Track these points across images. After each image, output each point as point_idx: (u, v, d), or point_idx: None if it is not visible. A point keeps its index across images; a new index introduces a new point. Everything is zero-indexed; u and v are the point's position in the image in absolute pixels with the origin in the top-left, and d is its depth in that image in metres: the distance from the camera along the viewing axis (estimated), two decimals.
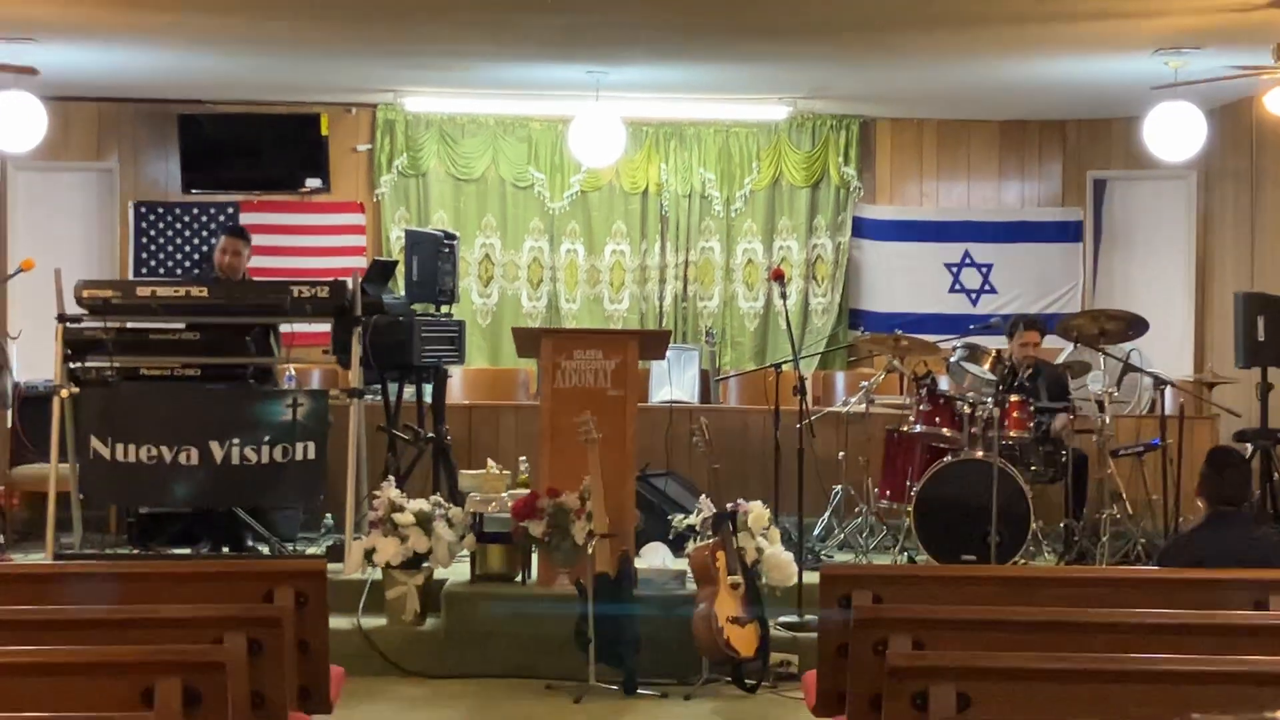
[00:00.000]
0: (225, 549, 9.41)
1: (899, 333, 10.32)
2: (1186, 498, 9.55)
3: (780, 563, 8.35)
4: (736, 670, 7.94)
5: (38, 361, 11.11)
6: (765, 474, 9.42)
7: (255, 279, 10.32)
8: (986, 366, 9.93)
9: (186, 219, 12.73)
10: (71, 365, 9.12)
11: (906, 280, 13.14)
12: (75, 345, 9.12)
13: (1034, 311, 12.22)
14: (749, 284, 13.16)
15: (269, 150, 12.74)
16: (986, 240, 13.13)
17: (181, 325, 9.27)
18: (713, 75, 11.61)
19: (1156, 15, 9.22)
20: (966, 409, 9.59)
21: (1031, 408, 9.66)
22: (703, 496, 8.62)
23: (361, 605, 8.45)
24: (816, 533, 10.17)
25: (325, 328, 9.50)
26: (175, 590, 5.20)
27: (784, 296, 9.91)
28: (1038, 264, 13.11)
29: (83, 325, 9.13)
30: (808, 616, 8.31)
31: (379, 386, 9.79)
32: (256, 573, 5.25)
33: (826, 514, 10.27)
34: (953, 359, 10.04)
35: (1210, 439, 10.49)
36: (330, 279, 9.34)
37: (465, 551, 8.65)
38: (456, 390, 11.90)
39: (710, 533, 8.18)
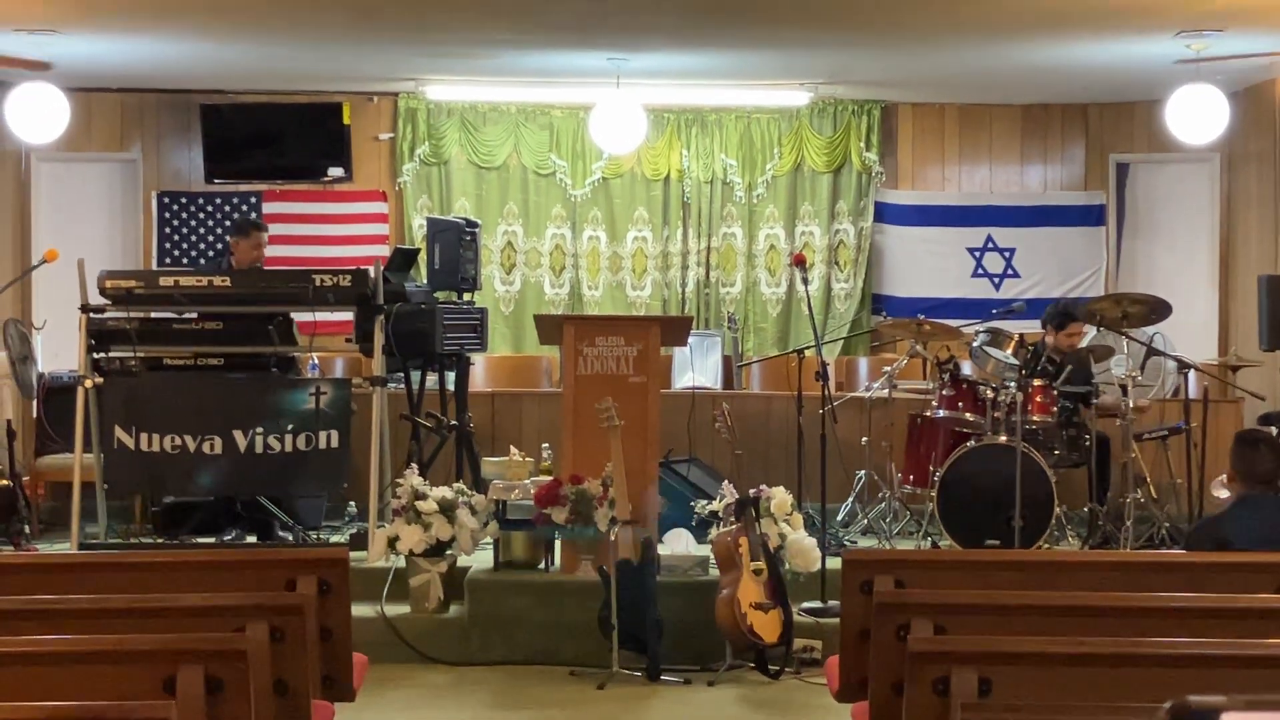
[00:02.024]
0: (250, 538, 9.44)
1: (922, 318, 10.31)
2: (1210, 481, 9.52)
3: (803, 548, 8.35)
4: (760, 656, 7.95)
5: (62, 352, 11.16)
6: (788, 459, 9.41)
7: (278, 268, 10.33)
8: (1009, 351, 9.90)
9: (209, 209, 12.77)
10: (95, 355, 9.15)
11: (929, 265, 13.11)
12: (99, 336, 9.15)
13: (1057, 295, 12.21)
14: (771, 270, 13.14)
15: (291, 140, 12.76)
16: (1009, 224, 13.09)
17: (203, 315, 9.30)
18: (733, 61, 11.60)
19: None
20: (989, 393, 9.57)
21: (1055, 392, 9.63)
22: (725, 482, 8.62)
23: (385, 593, 8.47)
24: (839, 518, 10.17)
25: (348, 316, 9.51)
26: (198, 579, 5.22)
27: (806, 282, 9.89)
28: (1060, 248, 13.07)
29: (106, 316, 9.16)
30: (831, 602, 8.30)
31: (402, 374, 9.80)
32: (279, 561, 5.26)
33: (849, 499, 10.26)
34: (975, 343, 10.02)
35: (1234, 422, 10.46)
36: (352, 267, 9.36)
37: (488, 539, 8.66)
38: (479, 378, 11.93)
39: (733, 519, 8.19)
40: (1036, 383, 9.56)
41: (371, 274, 9.09)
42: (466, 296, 10.22)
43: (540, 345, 10.14)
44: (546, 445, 9.30)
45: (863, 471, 10.20)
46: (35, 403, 10.64)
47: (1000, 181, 13.24)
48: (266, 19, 10.14)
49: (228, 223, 12.59)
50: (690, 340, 10.45)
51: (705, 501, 8.71)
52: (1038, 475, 9.19)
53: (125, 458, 9.02)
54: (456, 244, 10.04)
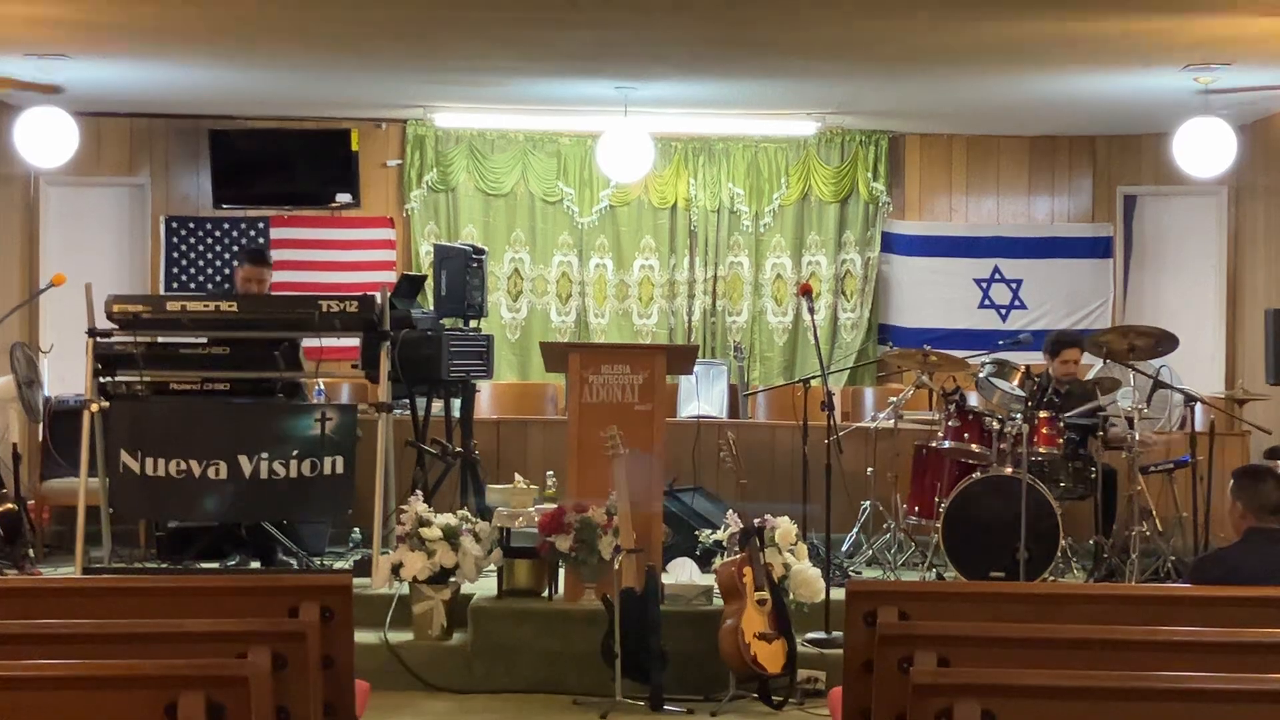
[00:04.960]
0: (254, 563, 9.44)
1: (928, 348, 10.29)
2: (1216, 515, 9.50)
3: (807, 579, 8.33)
4: (763, 686, 7.93)
5: (68, 376, 11.18)
6: (793, 489, 9.40)
7: (285, 293, 10.34)
8: (1015, 382, 9.91)
9: (217, 234, 12.79)
10: (102, 380, 9.16)
11: (936, 296, 13.11)
12: (105, 360, 9.16)
13: (1063, 327, 12.19)
14: (777, 299, 13.15)
15: (299, 165, 12.79)
16: (1016, 256, 13.10)
17: (210, 340, 9.31)
18: (741, 91, 11.62)
19: (1186, 31, 9.19)
20: (995, 425, 9.56)
21: (1061, 424, 9.62)
22: (730, 512, 8.60)
23: (388, 620, 8.46)
24: (844, 548, 10.15)
25: (354, 342, 9.52)
26: (201, 604, 5.20)
27: (812, 311, 9.87)
28: (1068, 280, 13.07)
29: (113, 340, 9.17)
30: (835, 633, 8.28)
31: (407, 401, 9.80)
32: (282, 587, 5.24)
33: (854, 530, 10.24)
34: (982, 375, 10.02)
35: (1241, 456, 10.44)
36: (359, 294, 9.37)
37: (492, 566, 8.65)
38: (485, 405, 11.93)
39: (737, 548, 8.17)
40: (1042, 414, 9.56)
41: (378, 300, 9.09)
42: (473, 323, 10.23)
43: (546, 373, 10.13)
44: (551, 473, 9.30)
45: (868, 502, 10.19)
46: (41, 426, 10.65)
47: (1007, 213, 13.25)
48: (276, 45, 10.17)
49: (235, 248, 12.62)
50: (696, 369, 10.45)
51: (710, 531, 8.69)
52: (1043, 507, 9.19)
53: (130, 482, 9.02)
54: (463, 271, 10.05)
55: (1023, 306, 13.08)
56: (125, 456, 9.01)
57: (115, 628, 4.66)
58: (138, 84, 11.42)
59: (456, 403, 10.08)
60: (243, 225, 12.79)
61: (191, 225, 12.81)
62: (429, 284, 10.90)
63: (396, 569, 8.40)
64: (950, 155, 13.22)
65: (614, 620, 7.82)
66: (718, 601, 8.26)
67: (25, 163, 11.68)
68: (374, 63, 10.75)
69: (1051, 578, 9.24)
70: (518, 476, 9.20)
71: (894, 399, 10.41)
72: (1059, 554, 9.26)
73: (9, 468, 10.01)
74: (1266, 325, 10.73)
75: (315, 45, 10.18)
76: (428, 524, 8.43)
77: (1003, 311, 13.09)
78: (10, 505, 9.77)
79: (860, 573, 9.80)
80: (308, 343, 9.72)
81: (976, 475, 9.46)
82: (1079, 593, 6.81)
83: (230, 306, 9.27)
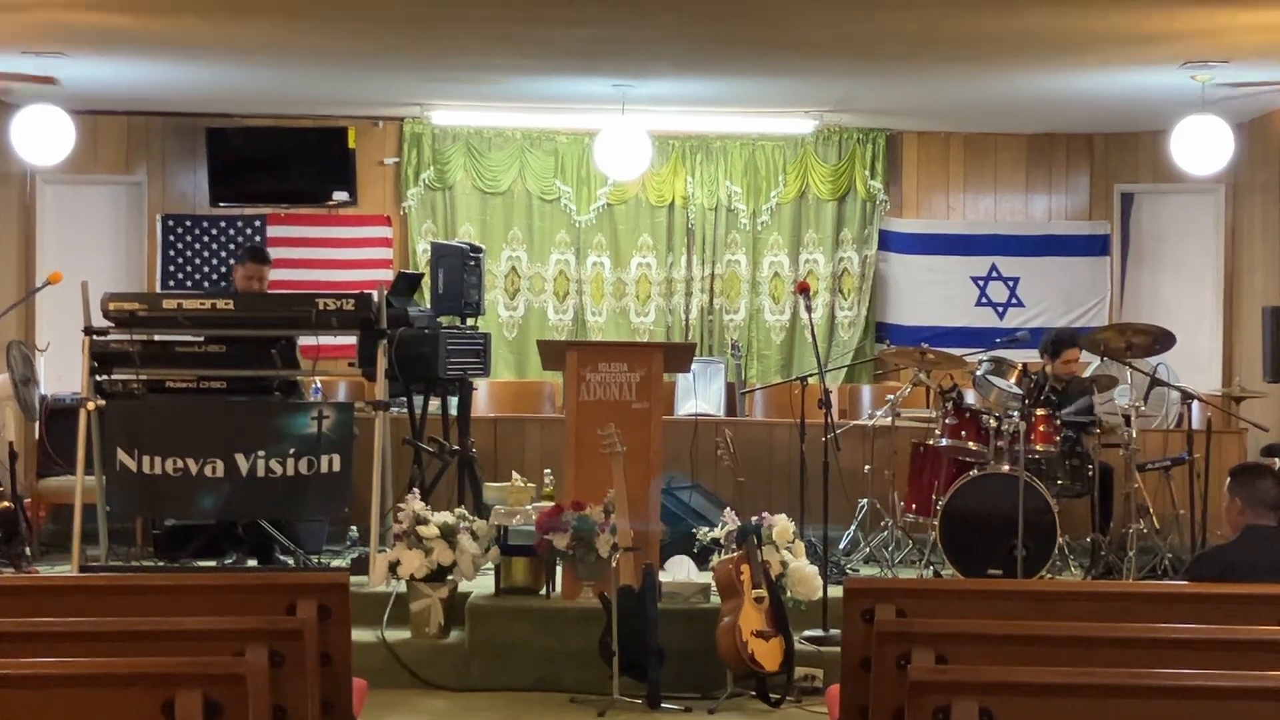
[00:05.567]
0: (251, 561, 9.43)
1: (925, 346, 10.29)
2: (1214, 513, 9.50)
3: (805, 576, 8.33)
4: (761, 684, 7.92)
5: (65, 374, 11.16)
6: (790, 487, 9.40)
7: (282, 291, 10.33)
8: (1013, 380, 9.90)
9: (214, 232, 12.78)
10: (98, 378, 9.15)
11: (933, 293, 13.11)
12: (102, 358, 9.15)
13: (1061, 325, 12.20)
14: (775, 297, 13.15)
15: (296, 163, 12.76)
16: (1013, 253, 13.10)
17: (207, 338, 9.30)
18: (739, 88, 11.61)
19: (1184, 29, 9.19)
20: (992, 422, 9.56)
21: (1058, 422, 9.62)
22: (727, 509, 8.60)
23: (385, 618, 8.45)
24: (842, 546, 10.16)
25: (351, 340, 9.52)
26: (198, 602, 5.19)
27: (810, 309, 9.86)
28: (1065, 277, 13.07)
29: (109, 338, 9.16)
30: (832, 630, 8.28)
31: (404, 399, 9.80)
32: (279, 585, 5.23)
33: (852, 527, 10.25)
34: (979, 372, 10.02)
35: (1238, 454, 10.44)
36: (356, 292, 9.37)
37: (489, 564, 8.64)
38: (482, 403, 11.93)
39: (735, 546, 8.17)
40: (1039, 412, 9.56)
41: (375, 298, 9.09)
42: (470, 321, 10.24)
43: (543, 371, 10.14)
44: (549, 471, 9.29)
45: (865, 500, 10.19)
46: (38, 424, 10.64)
47: (1005, 210, 13.25)
48: (273, 43, 10.16)
49: (232, 245, 12.62)
50: (693, 367, 10.44)
51: (707, 528, 8.69)
52: (1040, 505, 9.18)
53: (127, 480, 9.01)
54: (460, 269, 10.05)
55: (1020, 304, 13.08)
56: (122, 455, 9.00)
57: (112, 626, 4.65)
58: (135, 82, 11.41)
59: (454, 401, 10.08)
60: (239, 223, 12.79)
61: (188, 223, 12.80)
62: (426, 282, 10.88)
63: (394, 567, 8.40)
64: (948, 153, 13.23)
65: (611, 618, 7.82)
66: (715, 599, 8.26)
67: (22, 161, 11.68)
68: (371, 61, 10.74)
69: (1049, 575, 9.24)
70: (515, 475, 9.19)
71: (891, 397, 10.41)
72: (1056, 551, 9.26)
73: (6, 466, 10.00)
74: (1264, 323, 10.74)
75: (312, 43, 10.17)
76: (425, 522, 8.42)
77: (1000, 309, 13.09)
78: (6, 504, 9.76)
79: (858, 570, 9.80)
80: (304, 341, 9.70)
81: (974, 473, 9.46)
82: (1076, 590, 6.81)
83: (227, 304, 9.26)
